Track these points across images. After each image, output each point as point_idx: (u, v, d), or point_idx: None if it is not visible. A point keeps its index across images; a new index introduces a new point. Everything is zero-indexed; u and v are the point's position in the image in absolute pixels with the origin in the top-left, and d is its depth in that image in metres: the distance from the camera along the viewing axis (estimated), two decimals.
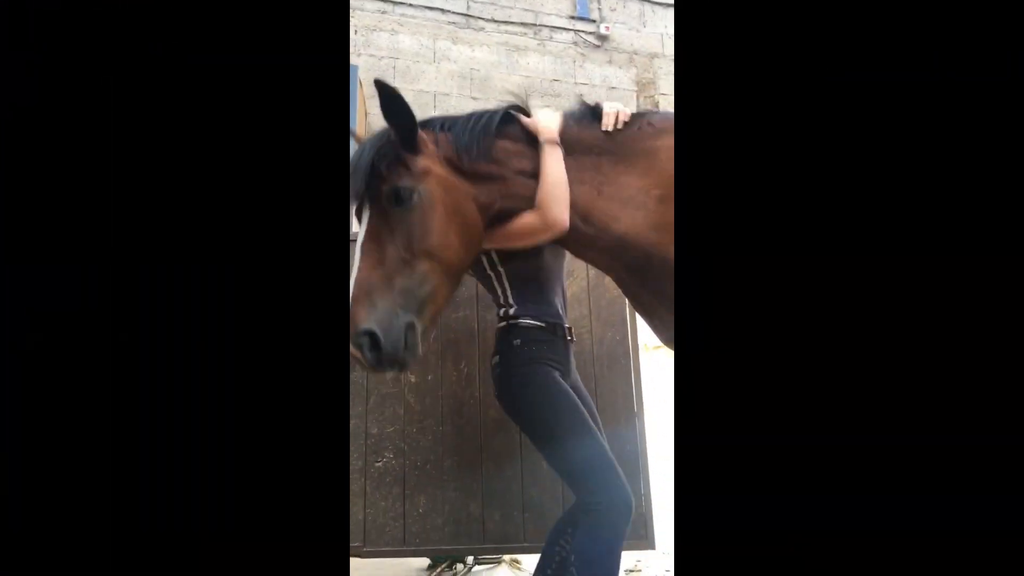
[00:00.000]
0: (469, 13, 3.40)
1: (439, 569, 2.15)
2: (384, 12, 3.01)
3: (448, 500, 1.98)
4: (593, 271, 2.24)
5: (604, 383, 2.12)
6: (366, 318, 1.06)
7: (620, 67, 4.18)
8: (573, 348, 1.55)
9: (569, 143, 1.26)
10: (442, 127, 1.27)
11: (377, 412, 2.05)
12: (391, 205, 1.16)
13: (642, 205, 1.23)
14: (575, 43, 3.87)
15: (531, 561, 2.18)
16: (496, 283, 1.47)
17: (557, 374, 1.39)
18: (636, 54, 4.03)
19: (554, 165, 1.22)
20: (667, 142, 1.23)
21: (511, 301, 1.44)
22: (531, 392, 1.37)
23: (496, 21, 3.49)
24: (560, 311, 1.49)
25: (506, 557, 2.22)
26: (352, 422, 2.23)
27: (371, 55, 3.05)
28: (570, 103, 1.39)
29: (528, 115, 1.31)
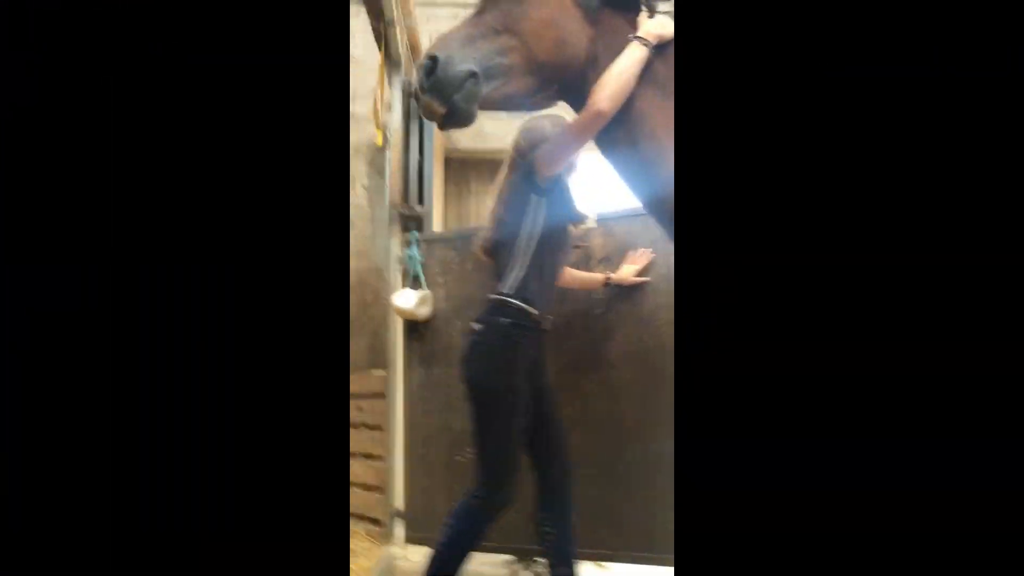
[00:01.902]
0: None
1: (522, 564, 2.12)
2: (457, 18, 3.04)
3: (530, 497, 1.93)
4: (672, 258, 2.06)
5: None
6: (437, 48, 1.15)
7: None
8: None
9: (669, 64, 1.22)
10: None
11: (461, 407, 2.07)
12: None
13: None
14: None
15: (616, 565, 2.07)
16: (513, 261, 1.50)
17: (525, 365, 1.48)
18: None
19: (625, 61, 1.22)
20: None
21: (515, 280, 1.48)
22: (496, 377, 1.44)
23: None
24: (551, 302, 1.56)
25: (590, 560, 2.12)
26: (436, 418, 2.29)
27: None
28: None
29: (652, 11, 1.30)
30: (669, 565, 1.92)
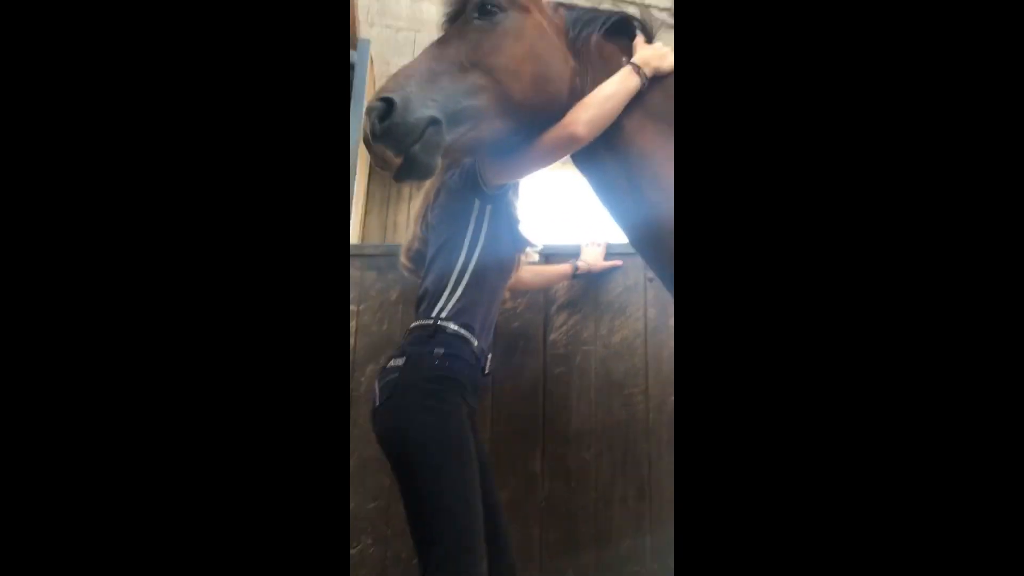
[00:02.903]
0: None
1: None
2: None
3: None
4: (653, 309, 1.70)
5: (660, 466, 1.57)
6: (391, 89, 0.95)
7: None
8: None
9: (668, 96, 1.11)
10: (564, 6, 1.20)
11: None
12: (474, 15, 1.06)
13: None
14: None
15: None
16: (452, 281, 1.18)
17: (466, 408, 1.10)
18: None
19: (616, 86, 1.09)
20: None
21: (453, 302, 1.15)
22: (430, 425, 1.03)
23: None
24: (489, 337, 1.23)
25: None
26: None
27: (387, 26, 2.55)
28: None
29: (650, 36, 1.20)
30: None
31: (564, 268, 1.63)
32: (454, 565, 0.96)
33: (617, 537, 1.56)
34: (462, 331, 1.13)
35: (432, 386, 1.06)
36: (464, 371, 1.11)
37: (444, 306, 1.16)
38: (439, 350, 1.10)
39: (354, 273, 1.80)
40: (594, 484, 1.60)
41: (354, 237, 2.34)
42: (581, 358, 1.66)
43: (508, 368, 1.68)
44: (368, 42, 2.19)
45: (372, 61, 2.18)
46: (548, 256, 1.69)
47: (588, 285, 1.69)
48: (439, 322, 1.13)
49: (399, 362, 1.10)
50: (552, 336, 1.69)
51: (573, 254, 1.67)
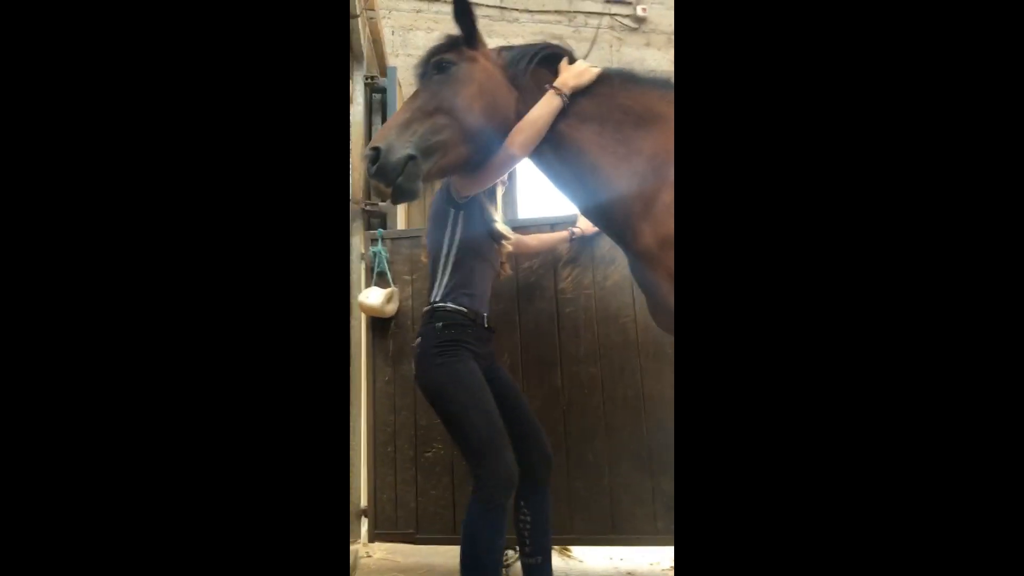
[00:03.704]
0: (503, 5, 3.39)
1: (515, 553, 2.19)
2: (419, 11, 3.06)
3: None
4: None
5: (648, 374, 2.10)
6: (379, 139, 1.30)
7: (659, 48, 4.08)
8: (494, 338, 1.71)
9: (599, 100, 1.41)
10: (505, 49, 1.50)
11: (426, 404, 2.11)
12: (433, 74, 1.39)
13: (639, 173, 1.33)
14: (611, 27, 3.79)
15: (581, 551, 2.20)
16: (440, 271, 1.61)
17: (471, 357, 1.52)
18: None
19: (541, 108, 1.38)
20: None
21: (443, 287, 1.58)
22: (443, 373, 1.48)
23: (530, 11, 3.46)
24: (482, 301, 1.61)
25: (556, 547, 2.24)
26: (403, 414, 2.30)
27: (408, 55, 3.10)
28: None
29: (572, 59, 1.48)
30: (631, 545, 2.09)
31: (563, 234, 2.08)
32: (485, 454, 1.42)
33: (620, 427, 2.09)
34: (452, 305, 1.55)
35: (438, 350, 1.50)
36: (461, 333, 1.53)
37: (438, 290, 1.59)
38: (439, 324, 1.53)
39: (405, 251, 2.36)
40: (601, 390, 2.13)
41: (401, 223, 2.87)
42: (584, 299, 2.19)
43: (529, 311, 2.23)
44: (395, 69, 2.70)
45: (400, 85, 2.70)
46: (553, 225, 2.21)
47: (584, 245, 2.18)
48: (435, 304, 1.58)
49: (418, 340, 1.58)
50: (561, 285, 2.23)
51: (570, 222, 2.18)
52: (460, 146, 1.36)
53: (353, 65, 2.62)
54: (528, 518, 1.60)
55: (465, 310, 1.55)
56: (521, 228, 2.28)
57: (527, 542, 1.61)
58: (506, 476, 1.40)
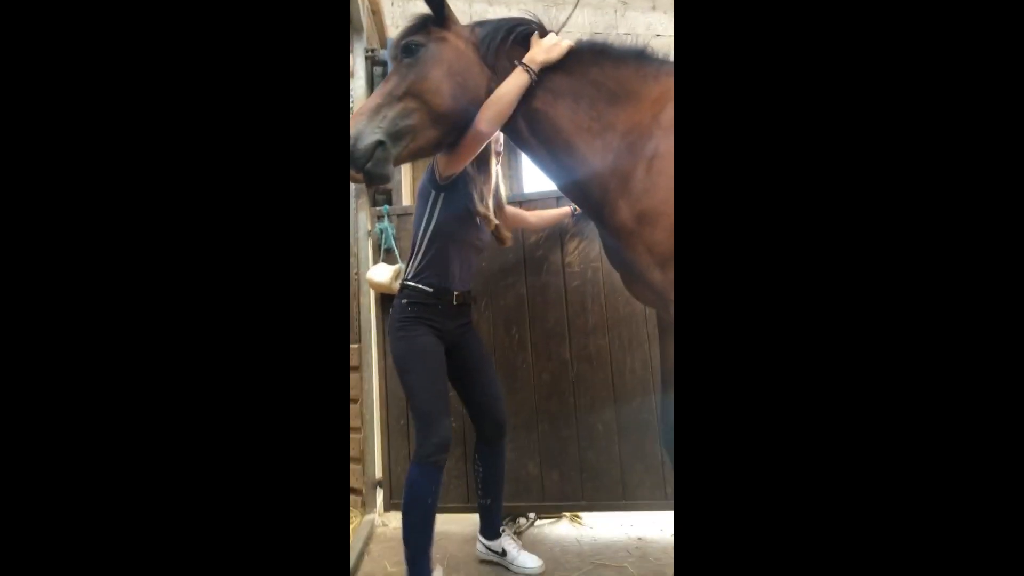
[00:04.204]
0: None
1: (503, 524, 2.25)
2: None
3: (507, 460, 2.05)
4: None
5: (655, 346, 2.11)
6: (351, 126, 1.32)
7: (665, 12, 3.97)
8: (471, 311, 1.82)
9: (572, 75, 1.40)
10: (479, 25, 1.48)
11: None
12: (403, 57, 1.38)
13: (613, 149, 1.33)
14: None
15: (590, 518, 2.26)
16: (415, 250, 1.73)
17: (429, 332, 1.65)
18: None
19: (508, 85, 1.38)
20: (654, 90, 1.33)
21: (415, 266, 1.70)
22: (402, 345, 1.64)
23: None
24: (454, 279, 1.71)
25: (566, 513, 2.30)
26: None
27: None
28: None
29: (543, 33, 1.46)
30: (641, 511, 2.14)
31: (565, 210, 2.08)
32: (424, 420, 1.58)
33: (629, 398, 2.12)
34: (420, 285, 1.67)
35: (400, 324, 1.65)
36: (422, 310, 1.65)
37: (411, 269, 1.71)
38: (404, 301, 1.67)
39: (411, 227, 2.35)
40: (609, 362, 2.15)
41: (406, 199, 2.86)
42: (591, 272, 2.19)
43: (537, 285, 2.24)
44: (392, 40, 2.65)
45: None
46: (558, 199, 2.20)
47: (589, 219, 2.19)
48: (405, 283, 1.70)
49: (390, 314, 1.72)
50: (568, 259, 2.23)
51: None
52: (429, 129, 1.37)
53: (353, 38, 2.58)
54: (480, 469, 1.85)
55: (431, 290, 1.67)
56: (527, 202, 2.27)
57: (480, 486, 1.87)
58: (438, 441, 1.57)
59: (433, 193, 1.67)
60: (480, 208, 1.68)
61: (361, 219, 2.52)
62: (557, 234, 2.24)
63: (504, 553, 1.85)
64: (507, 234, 1.85)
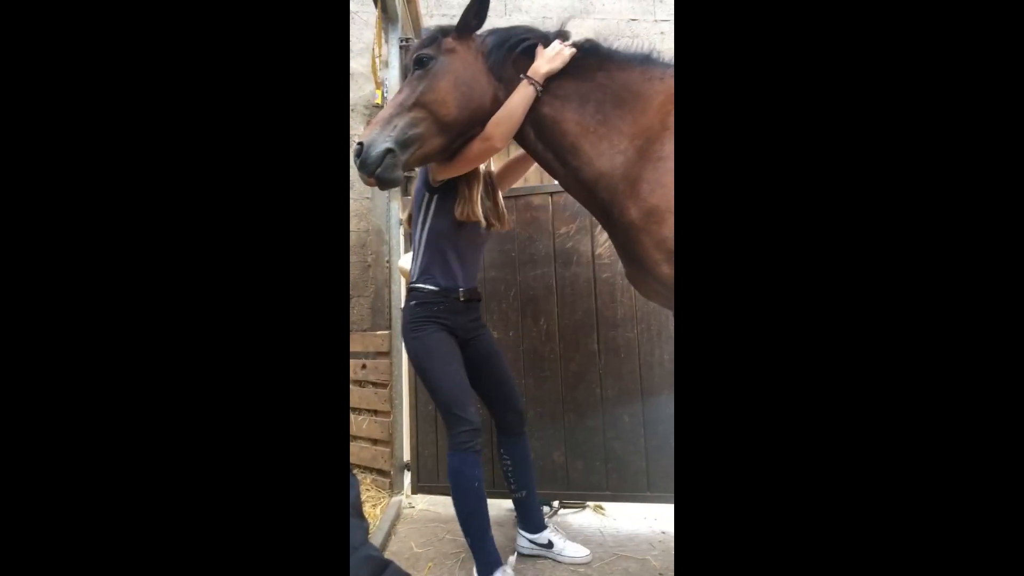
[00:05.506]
0: None
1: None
2: None
3: (533, 449, 2.08)
4: None
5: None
6: (364, 136, 1.43)
7: None
8: (479, 308, 1.83)
9: (577, 76, 1.44)
10: (490, 35, 1.52)
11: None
12: (414, 69, 1.48)
13: (621, 152, 1.37)
14: None
15: (614, 508, 2.27)
16: (415, 251, 1.77)
17: (440, 329, 1.68)
18: None
19: (515, 98, 1.44)
20: (661, 93, 1.36)
21: (418, 267, 1.75)
22: (416, 345, 1.68)
23: None
24: (457, 277, 1.73)
25: (590, 503, 2.31)
26: None
27: (443, 15, 3.03)
28: (646, 44, 1.47)
29: (546, 43, 1.49)
30: (664, 503, 2.14)
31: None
32: (451, 410, 1.61)
33: (657, 390, 2.12)
34: (426, 286, 1.70)
35: (412, 325, 1.69)
36: (431, 310, 1.68)
37: (415, 271, 1.75)
38: (412, 303, 1.71)
39: None
40: (637, 354, 2.15)
41: None
42: (621, 264, 2.19)
43: (567, 277, 2.24)
44: (428, 30, 2.66)
45: None
46: (551, 193, 2.14)
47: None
48: (411, 285, 1.74)
49: (402, 318, 1.75)
50: (598, 251, 2.22)
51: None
52: (435, 137, 1.45)
53: (388, 27, 2.60)
54: (508, 461, 1.84)
55: (436, 289, 1.70)
56: (522, 196, 2.28)
57: (511, 480, 1.85)
58: (468, 428, 1.60)
59: (427, 196, 1.72)
60: (468, 214, 1.69)
61: (393, 208, 2.55)
62: (588, 225, 2.23)
63: (550, 545, 1.84)
64: (501, 220, 1.84)
